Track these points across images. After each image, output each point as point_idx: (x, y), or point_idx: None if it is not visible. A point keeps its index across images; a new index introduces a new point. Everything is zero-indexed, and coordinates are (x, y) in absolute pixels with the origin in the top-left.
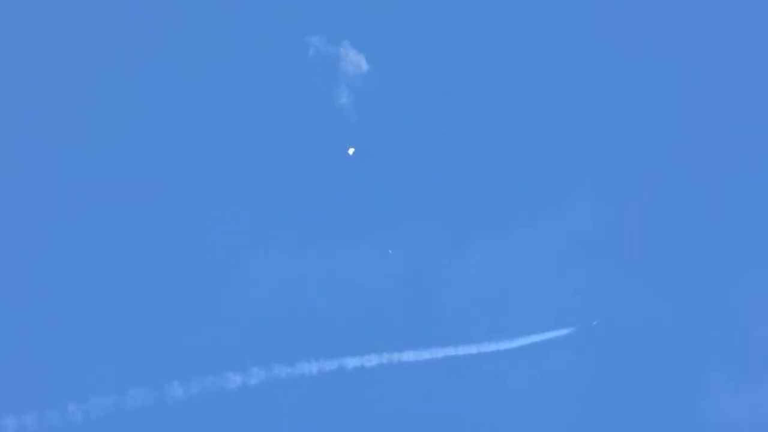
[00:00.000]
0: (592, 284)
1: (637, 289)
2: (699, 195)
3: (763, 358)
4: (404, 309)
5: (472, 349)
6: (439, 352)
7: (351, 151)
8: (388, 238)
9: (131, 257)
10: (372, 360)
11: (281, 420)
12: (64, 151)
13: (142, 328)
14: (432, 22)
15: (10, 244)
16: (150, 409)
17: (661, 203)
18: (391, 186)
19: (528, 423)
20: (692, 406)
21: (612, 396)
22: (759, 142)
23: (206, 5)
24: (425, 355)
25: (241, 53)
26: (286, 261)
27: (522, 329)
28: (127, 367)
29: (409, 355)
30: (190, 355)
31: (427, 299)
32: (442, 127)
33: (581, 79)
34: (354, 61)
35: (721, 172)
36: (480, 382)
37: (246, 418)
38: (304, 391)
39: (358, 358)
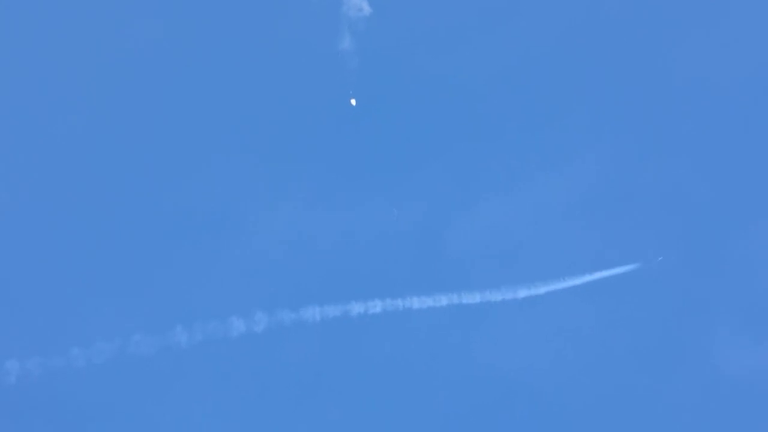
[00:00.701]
0: (602, 234)
1: (646, 239)
2: (708, 142)
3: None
4: (412, 258)
5: (503, 294)
6: (474, 296)
7: (353, 102)
8: (393, 187)
9: (136, 205)
10: (376, 306)
11: (285, 365)
12: (70, 98)
13: (146, 274)
14: None
15: (14, 187)
16: (154, 355)
17: (669, 151)
18: (395, 135)
19: (532, 368)
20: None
21: (620, 347)
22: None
23: None
24: (444, 300)
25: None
26: (291, 210)
27: (532, 277)
28: (131, 313)
29: (419, 302)
30: (195, 301)
31: (436, 248)
32: (446, 74)
33: (589, 23)
34: (356, 4)
35: (729, 119)
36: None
37: (250, 363)
38: (309, 338)
39: (363, 303)
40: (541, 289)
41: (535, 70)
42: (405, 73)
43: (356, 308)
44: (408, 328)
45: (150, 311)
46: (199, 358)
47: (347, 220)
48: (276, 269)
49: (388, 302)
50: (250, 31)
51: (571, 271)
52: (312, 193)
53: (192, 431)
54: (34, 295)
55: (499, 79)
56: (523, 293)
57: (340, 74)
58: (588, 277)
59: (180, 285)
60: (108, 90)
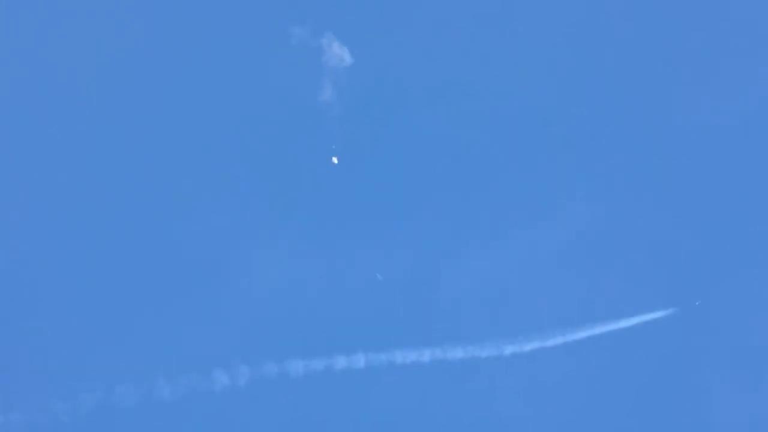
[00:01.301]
0: (591, 284)
1: (636, 291)
2: (696, 194)
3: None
4: (399, 309)
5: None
6: (462, 351)
7: (335, 160)
8: (380, 238)
9: (119, 254)
10: (360, 360)
11: (268, 419)
12: (60, 148)
13: (129, 325)
14: (418, 12)
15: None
16: (137, 407)
17: (659, 203)
18: (381, 184)
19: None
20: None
21: (613, 404)
22: (758, 143)
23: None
24: (431, 354)
25: (219, 49)
26: (276, 261)
27: (520, 330)
28: (115, 364)
29: (406, 356)
30: (178, 352)
31: (424, 299)
32: (430, 124)
33: (575, 75)
34: (337, 53)
35: (718, 171)
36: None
37: (232, 417)
38: (293, 391)
39: (348, 357)
40: (531, 345)
41: (522, 118)
42: (388, 122)
43: (341, 362)
44: (395, 381)
45: (133, 362)
46: (182, 411)
47: (333, 271)
48: (261, 320)
49: (374, 356)
50: (229, 81)
51: (563, 326)
52: (298, 243)
53: None
54: (17, 346)
55: (484, 128)
56: (512, 348)
57: (322, 124)
58: (583, 332)
59: (163, 336)
60: (92, 139)
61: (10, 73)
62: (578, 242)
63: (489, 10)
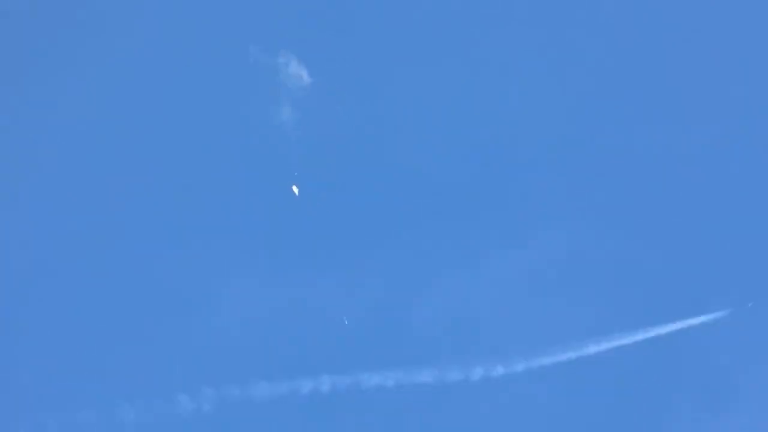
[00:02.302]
0: (565, 309)
1: (609, 316)
2: (672, 220)
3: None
4: (369, 337)
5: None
6: (432, 375)
7: (295, 189)
8: (348, 264)
9: (81, 283)
10: (325, 383)
11: None
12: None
13: (92, 351)
14: (379, 29)
15: None
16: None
17: (635, 229)
18: (344, 211)
19: None
20: None
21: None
22: (738, 172)
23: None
24: (401, 379)
25: (169, 70)
26: (239, 289)
27: (495, 356)
28: (78, 391)
29: (377, 379)
30: (142, 378)
31: (395, 326)
32: (395, 146)
33: (549, 102)
34: (295, 72)
35: (695, 193)
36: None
37: None
38: (259, 416)
39: (314, 380)
40: (504, 369)
41: (494, 140)
42: (351, 145)
43: (306, 385)
44: (366, 407)
45: (97, 389)
46: None
47: (301, 300)
48: (226, 347)
49: (343, 380)
50: (179, 102)
51: (538, 351)
52: (261, 271)
53: None
54: None
55: (453, 150)
56: (481, 373)
57: (281, 147)
58: (557, 356)
59: (128, 363)
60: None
61: None
62: (556, 266)
63: (453, 23)
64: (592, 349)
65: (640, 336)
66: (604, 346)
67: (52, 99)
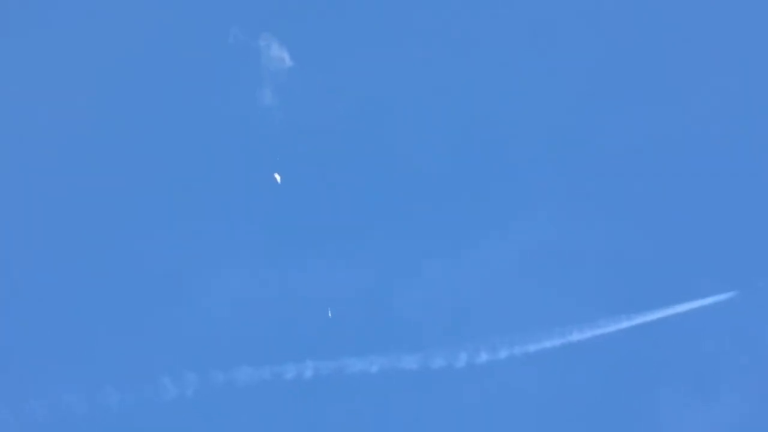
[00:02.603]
0: (551, 296)
1: (596, 303)
2: (659, 208)
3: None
4: (356, 322)
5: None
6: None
7: (278, 177)
8: (334, 250)
9: (67, 266)
10: (309, 368)
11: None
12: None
13: (77, 334)
14: (362, 10)
15: None
16: (85, 416)
17: (622, 217)
18: (328, 196)
19: None
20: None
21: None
22: (727, 160)
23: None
24: (385, 364)
25: (148, 54)
26: (222, 274)
27: (482, 342)
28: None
29: (362, 365)
30: (125, 362)
31: (382, 312)
32: (379, 129)
33: (538, 90)
34: (277, 55)
35: (684, 180)
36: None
37: (181, 426)
38: (242, 401)
39: (298, 366)
40: (489, 356)
41: (480, 125)
42: (333, 128)
43: (290, 371)
44: (350, 393)
45: (81, 373)
46: (130, 419)
47: (287, 285)
48: (210, 332)
49: (327, 365)
50: (160, 85)
51: (524, 338)
52: (248, 256)
53: None
54: None
55: (439, 134)
56: (465, 359)
57: (263, 131)
58: (545, 342)
59: (112, 347)
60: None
61: None
62: (542, 253)
63: (438, 3)
64: (578, 336)
65: (626, 323)
66: (591, 333)
67: (37, 85)
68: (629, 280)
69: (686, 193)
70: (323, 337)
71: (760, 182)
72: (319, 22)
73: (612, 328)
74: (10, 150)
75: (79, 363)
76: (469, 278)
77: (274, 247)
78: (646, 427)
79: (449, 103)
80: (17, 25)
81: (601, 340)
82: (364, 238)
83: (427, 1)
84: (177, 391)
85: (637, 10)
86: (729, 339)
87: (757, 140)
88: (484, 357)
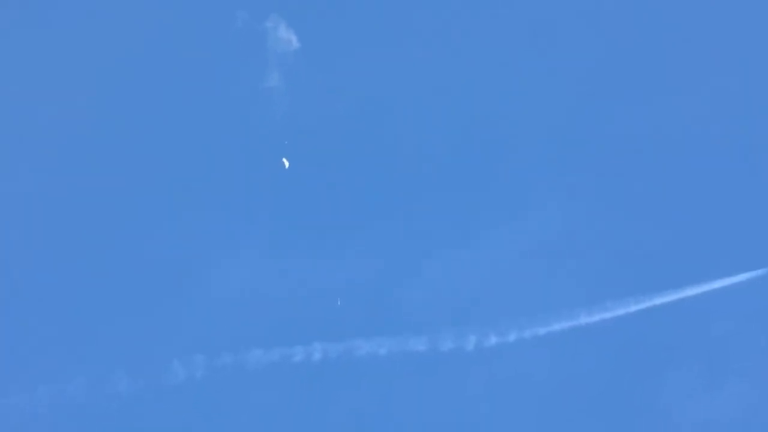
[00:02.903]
0: (560, 281)
1: (603, 288)
2: (667, 196)
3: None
4: (364, 306)
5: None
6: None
7: (286, 163)
8: (342, 239)
9: (82, 255)
10: (316, 351)
11: (227, 412)
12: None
13: (86, 319)
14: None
15: None
16: (95, 401)
17: (629, 206)
18: (337, 181)
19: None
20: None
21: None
22: (733, 152)
23: None
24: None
25: (157, 37)
26: (231, 260)
27: (487, 325)
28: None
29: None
30: (137, 347)
31: (390, 296)
32: (387, 113)
33: (542, 81)
34: (284, 37)
35: (692, 171)
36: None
37: (191, 409)
38: (253, 384)
39: (306, 348)
40: (497, 339)
41: (486, 116)
42: (341, 112)
43: (299, 354)
44: (364, 378)
45: (90, 357)
46: (141, 403)
47: (296, 269)
48: (220, 317)
49: (335, 347)
50: (168, 68)
51: (532, 321)
52: (257, 239)
53: None
54: None
55: (449, 120)
56: (474, 342)
57: (271, 113)
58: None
59: (122, 331)
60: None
61: None
62: (551, 239)
63: None
64: (588, 319)
65: (634, 307)
66: (598, 316)
67: (43, 76)
68: (639, 264)
69: (697, 178)
70: (332, 321)
71: None
72: (327, 4)
73: (621, 311)
74: (34, 142)
75: (90, 348)
76: (478, 263)
77: (282, 230)
78: (655, 410)
79: (458, 90)
80: (22, 19)
81: (612, 324)
82: (372, 224)
83: None
84: (186, 374)
85: (637, 10)
86: (739, 322)
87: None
88: (492, 340)
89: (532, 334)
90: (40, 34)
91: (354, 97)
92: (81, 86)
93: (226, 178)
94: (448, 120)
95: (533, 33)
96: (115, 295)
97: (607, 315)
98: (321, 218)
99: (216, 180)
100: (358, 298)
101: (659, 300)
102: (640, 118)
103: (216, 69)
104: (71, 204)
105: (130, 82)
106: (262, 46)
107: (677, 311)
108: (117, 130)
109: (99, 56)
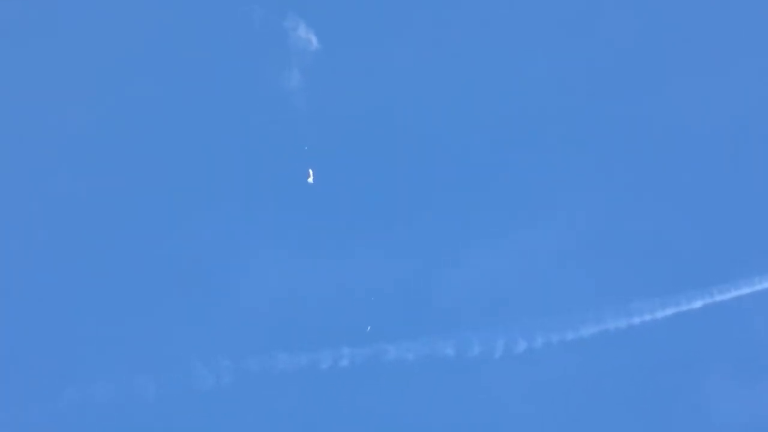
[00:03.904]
0: (591, 283)
1: (636, 290)
2: (698, 194)
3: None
4: (393, 308)
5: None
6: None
7: (310, 177)
8: (374, 240)
9: (109, 257)
10: (346, 357)
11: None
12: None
13: (111, 322)
14: None
15: None
16: (119, 405)
17: (660, 202)
18: (359, 183)
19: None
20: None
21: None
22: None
23: None
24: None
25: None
26: (257, 263)
27: (517, 330)
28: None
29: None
30: (163, 351)
31: (419, 299)
32: (410, 115)
33: (574, 74)
34: (303, 37)
35: (721, 165)
36: None
37: (218, 414)
38: (281, 389)
39: (334, 353)
40: (527, 344)
41: (510, 111)
42: (363, 114)
43: (327, 358)
44: (386, 380)
45: (115, 360)
46: (166, 408)
47: (323, 271)
48: (246, 321)
49: (363, 352)
50: (185, 69)
51: (562, 325)
52: (283, 242)
53: None
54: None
55: (472, 120)
56: (503, 347)
57: (291, 115)
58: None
59: (148, 335)
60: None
61: None
62: (579, 240)
63: None
64: (617, 323)
65: (668, 311)
66: (630, 320)
67: (54, 69)
68: (674, 265)
69: (729, 175)
70: (361, 325)
71: None
72: (346, 3)
73: (652, 315)
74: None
75: (115, 351)
76: (507, 265)
77: (309, 232)
78: (692, 412)
79: (482, 86)
80: (33, 11)
81: (644, 325)
82: (397, 226)
83: None
84: (213, 379)
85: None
86: None
87: None
88: (522, 344)
89: (562, 337)
90: (52, 34)
91: (377, 96)
92: (105, 89)
93: (250, 179)
94: (473, 119)
95: (551, 29)
96: (141, 298)
97: (639, 319)
98: (344, 220)
99: (241, 181)
100: (386, 299)
101: (697, 303)
102: (672, 114)
103: (236, 67)
104: (101, 206)
105: (150, 84)
106: (282, 47)
107: (711, 310)
108: (140, 134)
109: (118, 56)
